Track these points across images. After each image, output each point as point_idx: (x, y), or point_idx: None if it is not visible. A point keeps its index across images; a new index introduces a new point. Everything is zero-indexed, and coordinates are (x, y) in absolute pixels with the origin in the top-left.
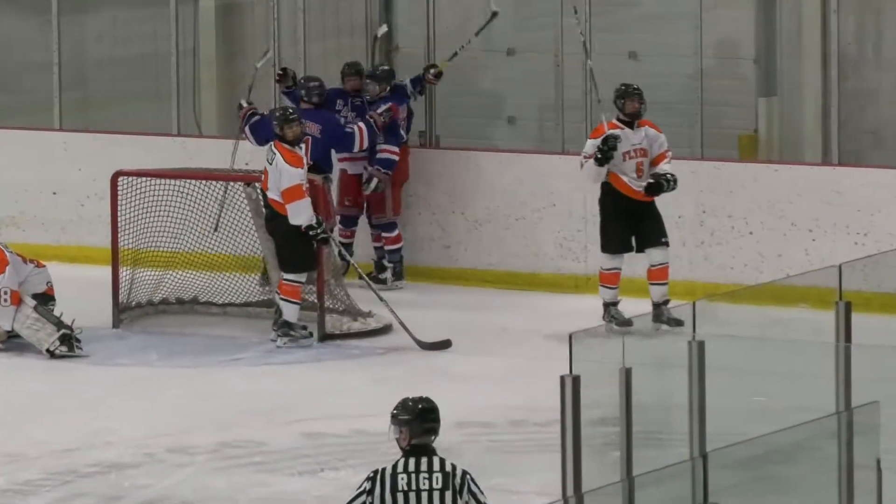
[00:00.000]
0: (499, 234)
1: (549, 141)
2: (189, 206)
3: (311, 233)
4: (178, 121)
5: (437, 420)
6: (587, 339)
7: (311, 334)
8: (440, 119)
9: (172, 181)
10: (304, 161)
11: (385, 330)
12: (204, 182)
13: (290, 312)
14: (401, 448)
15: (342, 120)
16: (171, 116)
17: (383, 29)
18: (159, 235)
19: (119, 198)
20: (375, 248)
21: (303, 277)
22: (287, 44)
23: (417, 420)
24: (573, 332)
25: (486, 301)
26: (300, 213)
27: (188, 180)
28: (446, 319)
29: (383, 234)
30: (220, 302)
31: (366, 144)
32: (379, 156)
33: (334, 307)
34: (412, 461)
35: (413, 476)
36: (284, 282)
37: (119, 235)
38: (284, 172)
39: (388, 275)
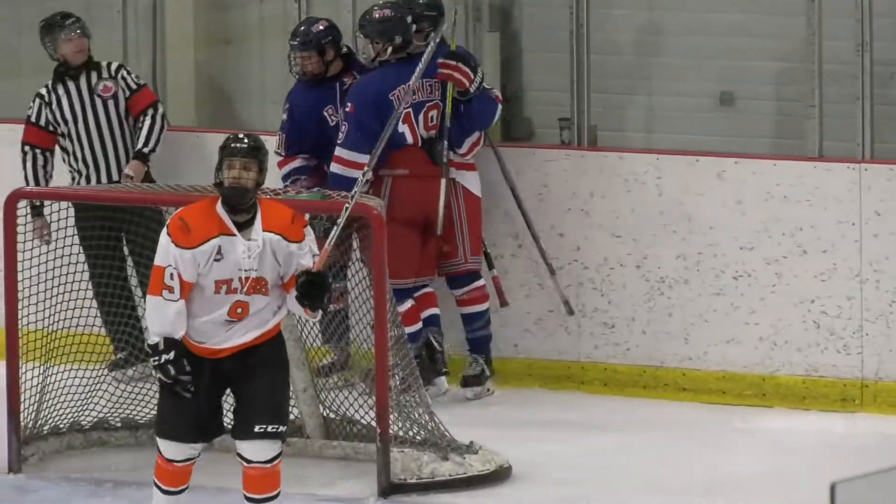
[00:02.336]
0: (703, 305)
1: (793, 136)
2: (150, 252)
3: (151, 359)
4: None
5: None
6: (862, 491)
7: None
8: (597, 100)
9: (119, 208)
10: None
11: (499, 476)
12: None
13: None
14: None
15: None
16: None
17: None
18: (94, 305)
19: (20, 238)
20: None
21: (183, 449)
22: None
23: None
24: (837, 482)
25: (684, 425)
26: (149, 322)
27: (148, 206)
28: (609, 458)
29: None
30: None
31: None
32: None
33: (408, 435)
34: None
35: None
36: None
37: (19, 305)
38: None
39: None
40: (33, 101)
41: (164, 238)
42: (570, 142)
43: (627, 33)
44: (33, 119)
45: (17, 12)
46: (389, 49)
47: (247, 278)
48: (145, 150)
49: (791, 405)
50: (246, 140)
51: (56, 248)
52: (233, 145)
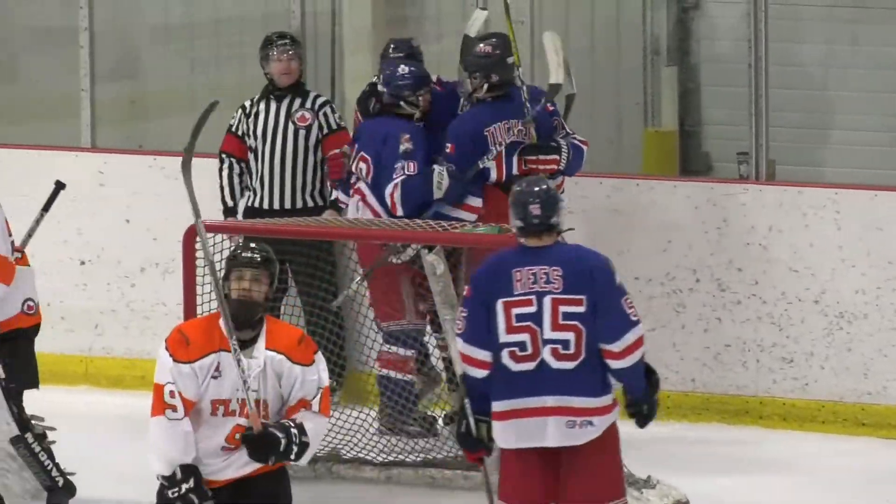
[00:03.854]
0: (882, 340)
1: None
2: (312, 280)
3: (168, 491)
4: None
5: None
6: None
7: None
8: (775, 133)
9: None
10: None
11: None
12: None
13: None
14: None
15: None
16: None
17: (480, 17)
18: None
19: (200, 272)
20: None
21: None
22: None
23: None
24: None
25: (863, 461)
26: (155, 448)
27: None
28: (787, 494)
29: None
30: (382, 459)
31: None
32: None
33: None
34: None
35: None
36: None
37: None
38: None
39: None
40: (236, 111)
41: (161, 352)
42: (748, 176)
43: (806, 66)
44: (233, 128)
45: (191, 46)
46: (486, 86)
47: (245, 400)
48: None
49: None
50: (257, 250)
51: None
52: (243, 255)
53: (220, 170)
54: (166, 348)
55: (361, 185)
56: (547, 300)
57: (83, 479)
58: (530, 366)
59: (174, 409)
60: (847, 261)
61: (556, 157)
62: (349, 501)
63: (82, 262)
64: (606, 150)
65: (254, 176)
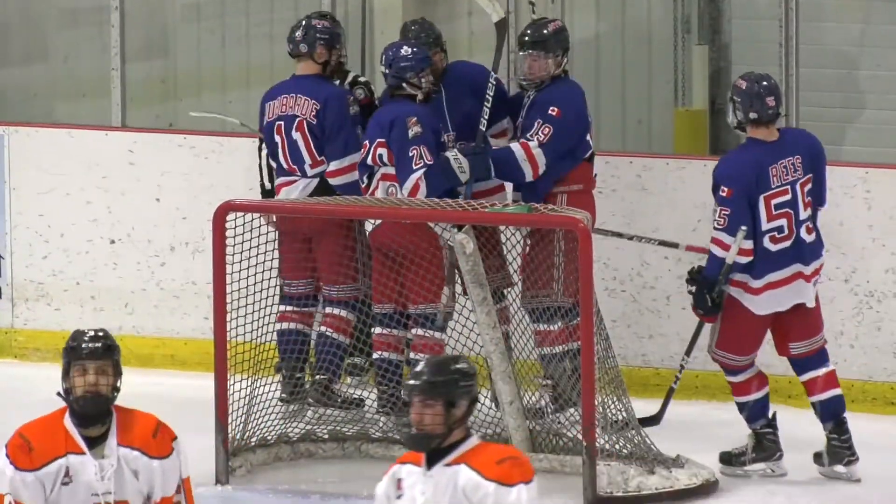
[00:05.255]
0: None
1: None
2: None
3: None
4: None
5: None
6: None
7: None
8: (806, 113)
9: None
10: None
11: (706, 490)
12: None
13: None
14: None
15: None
16: None
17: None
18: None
19: (229, 251)
20: None
21: None
22: None
23: None
24: None
25: (893, 440)
26: None
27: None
28: (817, 473)
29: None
30: None
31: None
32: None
33: (614, 448)
34: None
35: None
36: None
37: (227, 317)
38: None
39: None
40: None
41: (2, 460)
42: None
43: (837, 46)
44: None
45: (221, 25)
46: (565, 60)
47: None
48: None
49: None
50: (98, 338)
51: (265, 261)
52: (84, 346)
53: (259, 149)
54: (7, 454)
55: (389, 171)
56: (797, 186)
57: None
58: (787, 244)
59: None
60: (877, 240)
61: None
62: (378, 480)
63: (112, 242)
64: (637, 129)
65: None
